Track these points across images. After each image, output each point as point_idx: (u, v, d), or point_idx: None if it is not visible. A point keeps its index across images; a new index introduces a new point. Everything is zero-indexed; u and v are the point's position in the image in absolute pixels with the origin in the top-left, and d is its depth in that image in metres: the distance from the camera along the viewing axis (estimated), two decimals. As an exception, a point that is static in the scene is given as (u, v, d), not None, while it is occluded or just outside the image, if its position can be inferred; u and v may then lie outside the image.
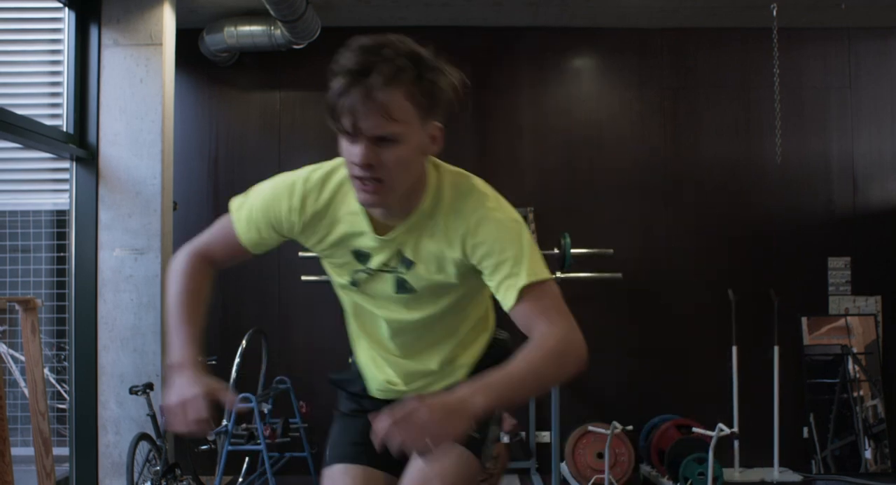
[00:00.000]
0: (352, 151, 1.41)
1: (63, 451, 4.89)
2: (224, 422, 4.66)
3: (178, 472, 4.72)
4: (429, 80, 1.41)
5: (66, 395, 5.60)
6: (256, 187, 1.62)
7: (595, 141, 5.98)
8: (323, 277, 5.40)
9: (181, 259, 1.74)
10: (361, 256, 1.57)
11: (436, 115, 1.45)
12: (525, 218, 5.75)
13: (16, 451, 4.04)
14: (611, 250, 5.40)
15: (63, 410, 5.49)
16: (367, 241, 1.54)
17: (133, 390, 4.40)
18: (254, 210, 1.61)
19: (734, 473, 5.46)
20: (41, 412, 4.27)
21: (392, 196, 1.44)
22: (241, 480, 4.95)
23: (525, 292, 1.44)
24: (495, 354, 1.74)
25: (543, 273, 1.47)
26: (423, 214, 1.51)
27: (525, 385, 1.39)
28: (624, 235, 5.84)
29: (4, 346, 5.36)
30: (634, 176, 5.95)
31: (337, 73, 1.38)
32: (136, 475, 4.20)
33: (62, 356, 5.80)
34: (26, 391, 5.28)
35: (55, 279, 5.94)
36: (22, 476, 4.16)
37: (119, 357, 4.70)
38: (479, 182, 1.57)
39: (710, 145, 6.00)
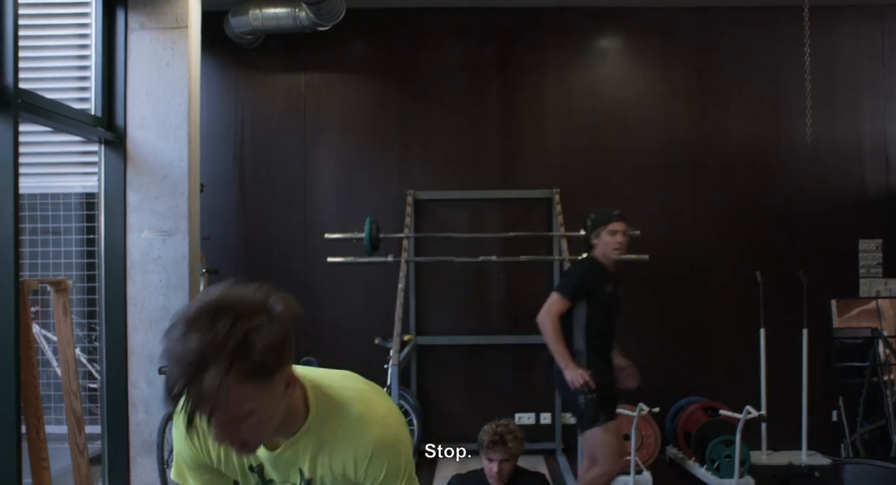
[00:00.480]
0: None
1: (95, 429, 4.97)
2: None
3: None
4: (262, 357, 1.24)
5: (97, 375, 5.69)
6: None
7: (620, 121, 5.94)
8: (349, 258, 5.45)
9: None
10: (255, 471, 1.52)
11: (282, 369, 1.31)
12: (550, 200, 5.75)
13: (49, 429, 4.12)
14: (637, 232, 5.37)
15: (94, 389, 5.58)
16: (259, 456, 1.48)
17: (162, 371, 4.45)
18: (181, 465, 1.59)
19: (761, 455, 5.43)
20: (73, 391, 4.35)
21: (262, 441, 1.37)
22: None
23: None
24: None
25: None
26: (310, 434, 1.43)
27: None
28: (650, 217, 5.80)
29: (37, 326, 5.44)
30: (660, 156, 5.90)
31: (166, 363, 1.27)
32: (165, 454, 4.27)
33: (93, 337, 5.89)
34: (59, 371, 5.37)
35: (85, 261, 6.02)
36: (56, 454, 4.24)
37: (148, 338, 4.76)
38: (359, 395, 1.48)
39: (738, 125, 5.93)
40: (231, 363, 1.20)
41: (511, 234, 5.61)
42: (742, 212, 5.82)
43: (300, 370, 1.44)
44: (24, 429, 3.81)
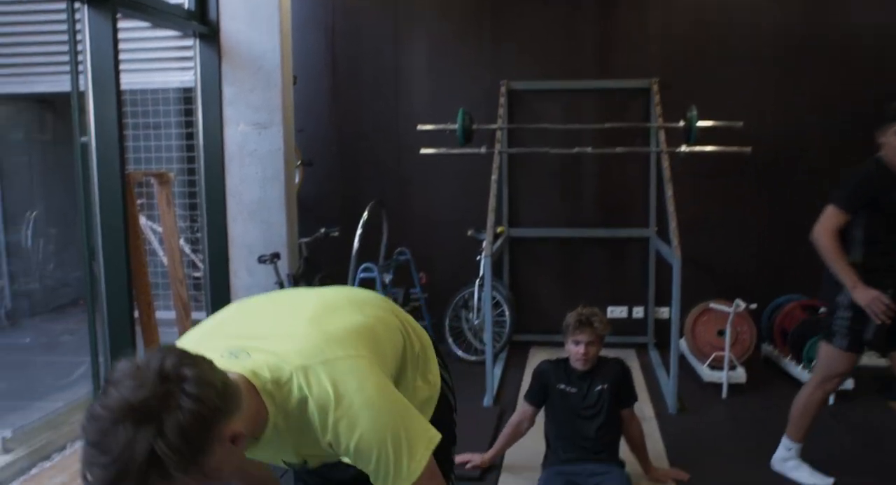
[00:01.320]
0: None
1: (200, 315, 5.22)
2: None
3: (306, 337, 4.98)
4: (178, 459, 1.08)
5: (200, 264, 5.92)
6: None
7: (726, 5, 5.58)
8: (442, 150, 5.42)
9: None
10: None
11: (212, 445, 1.14)
12: (648, 90, 5.52)
13: (159, 314, 4.34)
14: (740, 123, 5.13)
15: (198, 278, 5.83)
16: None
17: (261, 260, 4.59)
18: None
19: (863, 357, 5.28)
20: (179, 279, 4.55)
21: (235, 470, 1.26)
22: (364, 346, 5.16)
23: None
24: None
25: (422, 453, 1.32)
26: (278, 434, 1.32)
27: None
28: (755, 108, 5.52)
29: (143, 218, 5.66)
30: (770, 44, 5.55)
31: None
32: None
33: (195, 228, 6.11)
34: (165, 260, 5.62)
35: (186, 154, 6.18)
36: (165, 338, 4.48)
37: (247, 229, 4.90)
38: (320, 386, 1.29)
39: (859, 11, 5.49)
40: (146, 481, 1.08)
41: (607, 125, 5.44)
42: (858, 105, 5.45)
43: (260, 362, 1.28)
44: (136, 314, 4.02)
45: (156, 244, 5.84)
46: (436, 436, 1.34)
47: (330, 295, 1.56)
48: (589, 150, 5.39)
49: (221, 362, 1.23)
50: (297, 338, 1.31)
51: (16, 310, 6.97)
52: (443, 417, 1.67)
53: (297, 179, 5.27)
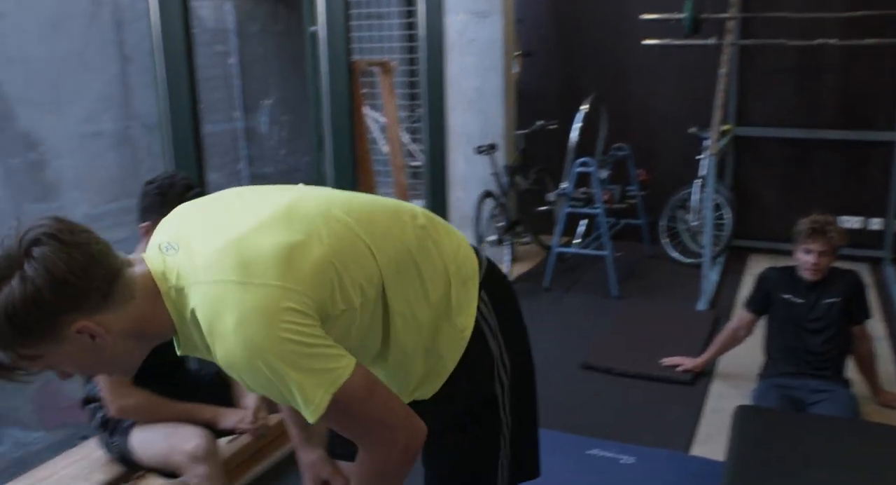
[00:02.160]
0: None
1: (418, 203, 5.40)
2: (563, 184, 4.80)
3: (518, 229, 5.03)
4: (5, 329, 1.06)
5: (418, 153, 6.08)
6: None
7: None
8: (666, 41, 5.12)
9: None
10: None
11: (49, 330, 1.09)
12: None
13: (380, 200, 4.53)
14: None
15: (416, 167, 6.00)
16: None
17: (479, 150, 4.64)
18: None
19: None
20: (399, 166, 4.69)
21: (91, 374, 1.23)
22: (577, 241, 5.14)
23: (321, 418, 1.17)
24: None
25: (321, 396, 1.14)
26: (186, 340, 1.23)
27: None
28: None
29: (366, 107, 5.85)
30: None
31: None
32: (482, 228, 4.53)
33: (414, 117, 6.25)
34: (384, 149, 5.82)
35: (407, 44, 6.27)
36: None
37: (465, 118, 4.94)
38: (212, 295, 1.16)
39: None
40: None
41: (857, 13, 4.87)
42: None
43: (174, 265, 1.19)
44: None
45: (376, 133, 6.04)
46: (340, 376, 1.15)
47: (305, 206, 1.28)
48: (833, 42, 4.88)
49: (152, 253, 1.21)
50: (217, 249, 1.17)
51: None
52: (475, 368, 1.40)
53: (515, 70, 5.20)
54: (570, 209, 4.78)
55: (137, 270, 1.18)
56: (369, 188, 4.29)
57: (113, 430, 2.16)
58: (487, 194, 4.60)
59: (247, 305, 1.11)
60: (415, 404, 1.33)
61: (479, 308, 1.38)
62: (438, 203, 5.13)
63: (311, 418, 1.15)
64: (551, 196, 5.16)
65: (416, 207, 1.43)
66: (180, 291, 1.17)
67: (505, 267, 4.75)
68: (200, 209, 1.29)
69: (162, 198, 2.04)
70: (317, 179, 4.15)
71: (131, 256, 1.21)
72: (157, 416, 2.11)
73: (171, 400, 2.13)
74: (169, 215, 1.30)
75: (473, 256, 1.43)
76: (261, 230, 1.19)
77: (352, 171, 4.02)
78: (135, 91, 6.59)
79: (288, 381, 1.12)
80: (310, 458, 1.59)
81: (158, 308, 1.18)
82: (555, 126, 5.16)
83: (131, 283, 1.15)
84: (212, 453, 2.05)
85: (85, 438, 2.51)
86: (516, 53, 5.25)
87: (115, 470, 2.20)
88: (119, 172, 7.06)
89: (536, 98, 5.76)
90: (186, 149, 3.05)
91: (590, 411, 3.23)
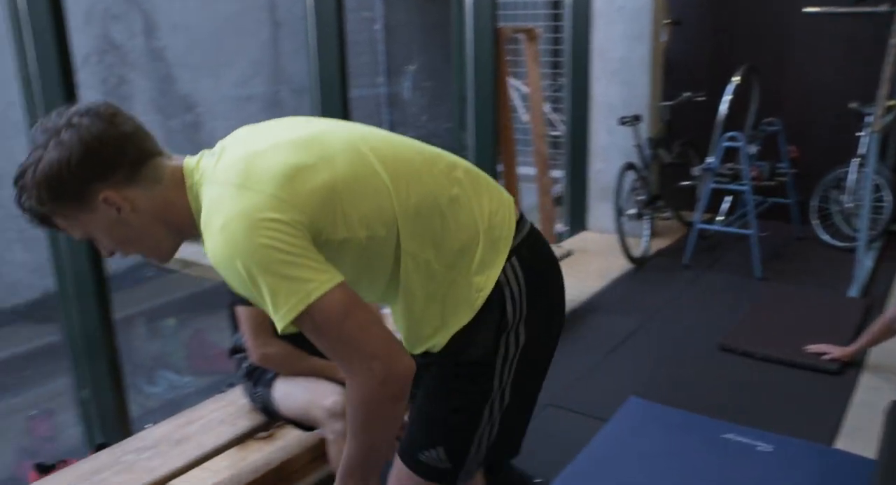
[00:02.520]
0: None
1: (557, 174, 5.35)
2: (709, 159, 4.62)
3: (659, 203, 4.89)
4: (38, 190, 1.21)
5: (558, 124, 6.01)
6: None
7: None
8: (829, 9, 4.80)
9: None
10: None
11: (75, 196, 1.22)
12: None
13: (518, 170, 4.51)
14: None
15: (556, 137, 5.94)
16: None
17: (622, 121, 4.52)
18: None
19: None
20: (540, 135, 4.65)
21: (129, 251, 1.32)
22: (720, 218, 4.96)
23: (289, 326, 1.19)
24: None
25: (291, 305, 1.16)
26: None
27: (367, 458, 1.33)
28: None
29: (511, 78, 5.82)
30: None
31: None
32: (621, 201, 4.44)
33: (556, 86, 6.17)
34: (524, 118, 5.78)
35: (552, 12, 6.18)
36: (524, 192, 4.67)
37: (609, 88, 4.83)
38: (217, 195, 1.22)
39: None
40: (20, 194, 1.23)
41: None
42: None
43: (204, 165, 1.28)
44: (499, 168, 4.22)
45: (517, 101, 6.00)
46: (316, 289, 1.16)
47: (332, 137, 1.30)
48: None
49: (196, 155, 1.31)
50: (237, 157, 1.25)
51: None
52: (482, 330, 1.37)
53: (663, 39, 5.02)
54: (714, 185, 4.60)
55: (173, 162, 1.28)
56: (510, 158, 4.28)
57: (257, 380, 2.27)
58: (629, 166, 4.49)
59: (236, 207, 1.17)
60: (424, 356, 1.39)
61: (504, 272, 1.35)
62: (578, 174, 5.06)
63: (278, 325, 1.18)
64: (696, 171, 4.99)
65: (461, 161, 1.42)
66: (199, 187, 1.26)
67: (643, 242, 4.64)
68: (254, 127, 1.36)
69: None
70: (457, 147, 4.18)
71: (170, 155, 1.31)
72: (296, 368, 2.20)
73: (310, 355, 2.21)
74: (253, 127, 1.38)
75: (512, 221, 1.40)
76: (278, 148, 1.24)
77: (493, 139, 4.02)
78: (285, 56, 6.83)
79: (260, 284, 1.16)
80: None
81: (181, 198, 1.27)
82: (702, 98, 4.95)
83: (161, 169, 1.26)
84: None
85: (231, 385, 2.65)
86: (665, 22, 5.07)
87: (258, 418, 2.31)
88: (268, 134, 7.35)
89: (684, 68, 5.55)
90: (334, 113, 3.13)
91: (726, 395, 3.13)
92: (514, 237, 1.38)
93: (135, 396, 3.80)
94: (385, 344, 1.21)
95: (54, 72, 2.18)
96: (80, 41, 4.41)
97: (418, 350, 1.40)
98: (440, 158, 1.38)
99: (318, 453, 2.40)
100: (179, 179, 1.27)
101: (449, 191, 1.33)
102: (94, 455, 2.16)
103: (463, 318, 1.35)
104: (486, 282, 1.34)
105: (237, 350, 2.36)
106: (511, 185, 4.29)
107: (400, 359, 1.21)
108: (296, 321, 1.18)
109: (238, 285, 1.20)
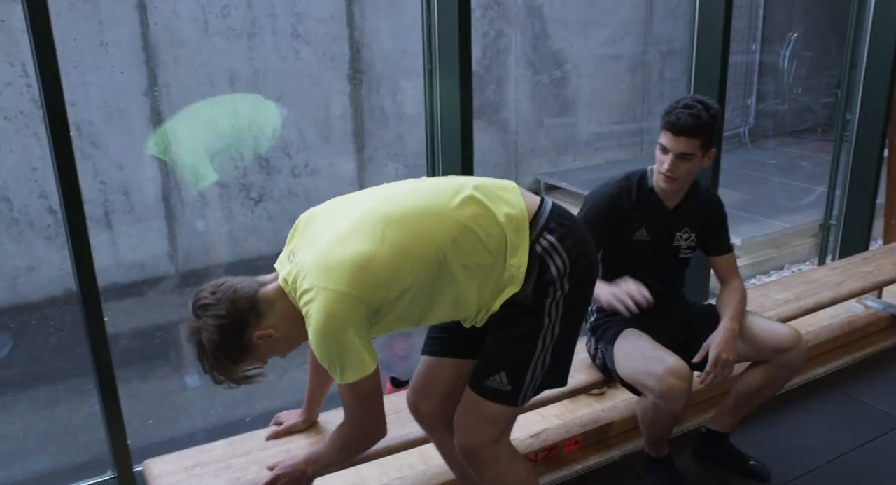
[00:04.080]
0: None
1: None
2: None
3: None
4: (212, 357, 1.61)
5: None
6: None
7: None
8: None
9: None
10: None
11: (239, 352, 1.63)
12: None
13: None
14: None
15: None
16: None
17: None
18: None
19: None
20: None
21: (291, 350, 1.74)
22: None
23: (340, 387, 1.64)
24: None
25: (349, 377, 1.61)
26: None
27: (338, 459, 1.78)
28: None
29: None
30: None
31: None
32: None
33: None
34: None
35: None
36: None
37: None
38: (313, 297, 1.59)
39: None
40: (202, 361, 1.64)
41: None
42: None
43: (291, 270, 1.64)
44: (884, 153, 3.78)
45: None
46: (367, 370, 1.61)
47: (371, 216, 1.64)
48: None
49: (282, 262, 1.69)
50: (312, 259, 1.61)
51: (757, 128, 7.24)
52: (533, 291, 1.69)
53: None
54: None
55: (271, 284, 1.67)
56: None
57: (601, 336, 2.29)
58: None
59: (322, 305, 1.57)
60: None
61: (537, 243, 1.68)
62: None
63: (338, 381, 1.63)
64: None
65: (464, 181, 1.72)
66: (294, 291, 1.62)
67: None
68: (310, 221, 1.72)
69: (665, 112, 2.11)
70: (838, 123, 3.80)
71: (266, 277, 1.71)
72: None
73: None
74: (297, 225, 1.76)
75: (524, 206, 1.70)
76: (345, 238, 1.62)
77: (884, 118, 3.59)
78: (658, 17, 6.68)
79: (335, 359, 1.60)
80: (296, 417, 2.07)
81: (289, 304, 1.64)
82: None
83: (267, 295, 1.65)
84: (683, 378, 2.05)
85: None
86: None
87: (594, 375, 2.34)
88: (630, 95, 7.30)
89: None
90: (710, 75, 3.00)
91: None
92: (538, 215, 1.70)
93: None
94: (377, 419, 1.70)
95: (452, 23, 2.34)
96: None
97: (481, 318, 1.73)
98: (447, 188, 1.70)
99: (642, 421, 2.38)
100: (281, 292, 1.65)
101: (467, 211, 1.66)
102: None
103: (512, 289, 1.68)
104: (520, 260, 1.67)
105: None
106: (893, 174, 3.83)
107: (381, 431, 1.72)
108: (344, 386, 1.63)
109: (322, 357, 1.62)
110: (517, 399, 1.73)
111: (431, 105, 2.53)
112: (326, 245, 1.60)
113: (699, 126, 2.07)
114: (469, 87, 2.44)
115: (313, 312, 1.56)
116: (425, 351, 1.99)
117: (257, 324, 1.62)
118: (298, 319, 1.62)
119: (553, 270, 1.67)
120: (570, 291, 1.70)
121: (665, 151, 2.11)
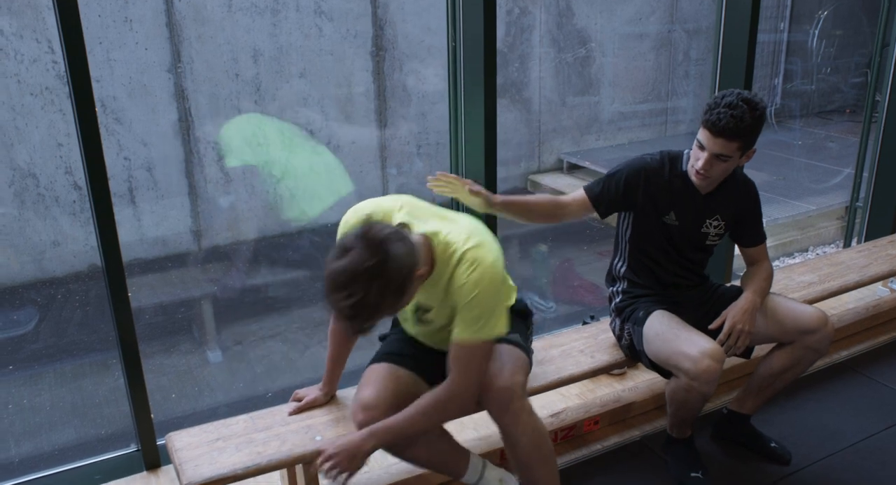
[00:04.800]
0: None
1: None
2: None
3: None
4: (395, 298, 1.69)
5: None
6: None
7: None
8: None
9: None
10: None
11: (396, 299, 1.70)
12: None
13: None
14: None
15: None
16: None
17: None
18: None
19: None
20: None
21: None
22: None
23: (456, 341, 1.81)
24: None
25: (494, 331, 1.82)
26: (437, 276, 1.84)
27: (413, 427, 1.84)
28: None
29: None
30: None
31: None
32: None
33: None
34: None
35: None
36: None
37: None
38: (470, 249, 1.80)
39: None
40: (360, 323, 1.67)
41: None
42: None
43: (434, 226, 1.83)
44: None
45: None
46: (504, 329, 1.85)
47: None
48: None
49: (412, 223, 1.82)
50: (464, 223, 1.83)
51: (783, 109, 7.14)
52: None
53: None
54: None
55: (414, 235, 1.79)
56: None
57: (627, 317, 2.28)
58: None
59: (495, 259, 1.79)
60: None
61: None
62: None
63: (478, 335, 1.79)
64: None
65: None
66: (447, 244, 1.80)
67: None
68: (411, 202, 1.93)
69: (707, 108, 2.03)
70: (868, 105, 3.75)
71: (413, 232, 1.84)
72: None
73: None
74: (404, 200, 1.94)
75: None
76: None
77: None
78: (685, -5, 6.59)
79: (492, 310, 1.80)
80: (315, 392, 2.11)
81: (430, 255, 1.80)
82: None
83: (418, 242, 1.77)
84: (718, 360, 2.03)
85: (593, 318, 2.71)
86: None
87: (616, 355, 2.34)
88: (654, 74, 7.22)
89: None
90: (737, 54, 2.96)
91: None
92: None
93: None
94: (476, 382, 1.83)
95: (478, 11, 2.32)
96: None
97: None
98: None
99: (662, 401, 2.37)
100: (426, 242, 1.80)
101: None
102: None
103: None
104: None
105: (614, 279, 2.36)
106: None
107: (473, 392, 1.85)
108: (465, 343, 1.80)
109: (475, 314, 1.78)
110: (526, 350, 2.01)
111: (455, 83, 2.52)
112: (469, 219, 1.86)
113: (740, 129, 1.96)
114: (493, 65, 2.42)
115: (485, 262, 1.76)
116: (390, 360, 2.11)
117: (420, 264, 1.75)
118: (429, 269, 1.80)
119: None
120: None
121: (702, 147, 2.03)
